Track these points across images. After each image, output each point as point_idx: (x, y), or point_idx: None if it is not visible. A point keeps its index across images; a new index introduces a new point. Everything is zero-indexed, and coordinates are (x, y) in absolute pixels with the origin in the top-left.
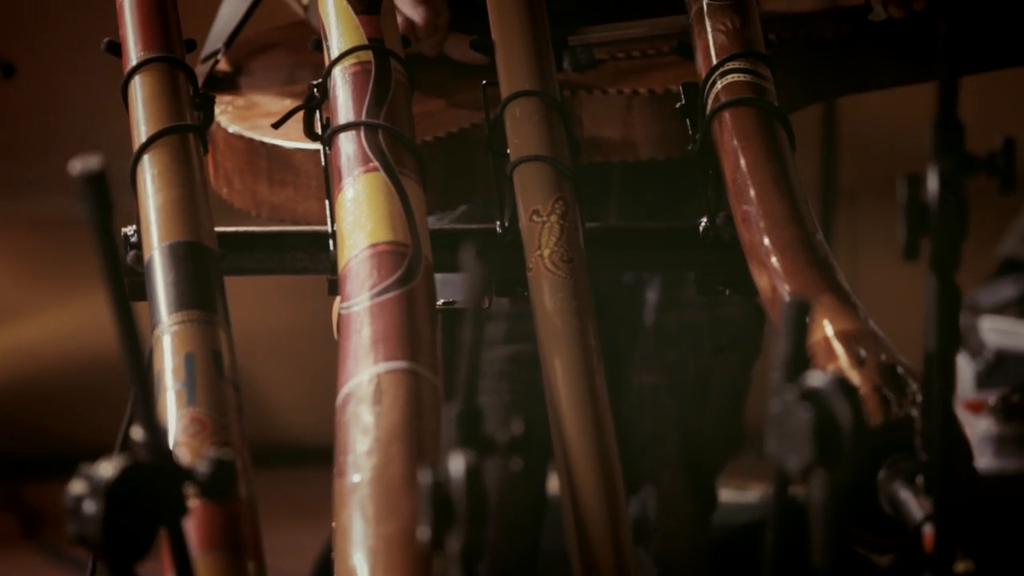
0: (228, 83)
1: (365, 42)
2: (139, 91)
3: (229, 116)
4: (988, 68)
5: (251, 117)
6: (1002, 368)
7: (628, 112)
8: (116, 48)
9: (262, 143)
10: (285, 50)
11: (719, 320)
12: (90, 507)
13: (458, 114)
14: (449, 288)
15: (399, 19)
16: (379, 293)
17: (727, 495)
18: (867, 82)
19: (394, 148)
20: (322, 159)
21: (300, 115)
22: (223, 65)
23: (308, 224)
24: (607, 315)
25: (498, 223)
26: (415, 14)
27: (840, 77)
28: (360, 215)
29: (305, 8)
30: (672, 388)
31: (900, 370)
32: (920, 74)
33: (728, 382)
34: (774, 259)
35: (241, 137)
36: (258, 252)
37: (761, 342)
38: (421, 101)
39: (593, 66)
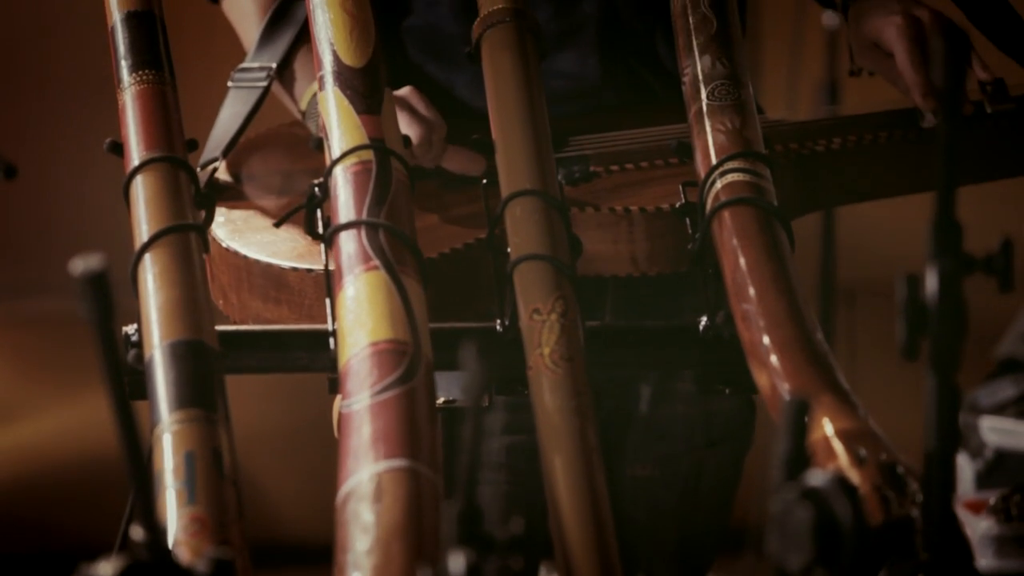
0: (225, 190)
1: (366, 141)
2: (141, 191)
3: (226, 230)
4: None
5: (247, 231)
6: (1002, 468)
7: (621, 229)
8: (118, 148)
9: (256, 261)
10: (282, 153)
11: (712, 413)
12: None
13: (457, 230)
14: (449, 386)
15: None
16: (380, 391)
17: None
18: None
19: (395, 247)
20: (323, 257)
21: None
22: (221, 172)
23: None
24: (601, 407)
25: (498, 322)
26: (412, 132)
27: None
28: (361, 313)
29: (303, 114)
30: (665, 480)
31: (900, 470)
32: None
33: (720, 475)
34: (774, 358)
35: (236, 253)
36: (259, 351)
37: (752, 435)
38: (419, 215)
39: (587, 179)
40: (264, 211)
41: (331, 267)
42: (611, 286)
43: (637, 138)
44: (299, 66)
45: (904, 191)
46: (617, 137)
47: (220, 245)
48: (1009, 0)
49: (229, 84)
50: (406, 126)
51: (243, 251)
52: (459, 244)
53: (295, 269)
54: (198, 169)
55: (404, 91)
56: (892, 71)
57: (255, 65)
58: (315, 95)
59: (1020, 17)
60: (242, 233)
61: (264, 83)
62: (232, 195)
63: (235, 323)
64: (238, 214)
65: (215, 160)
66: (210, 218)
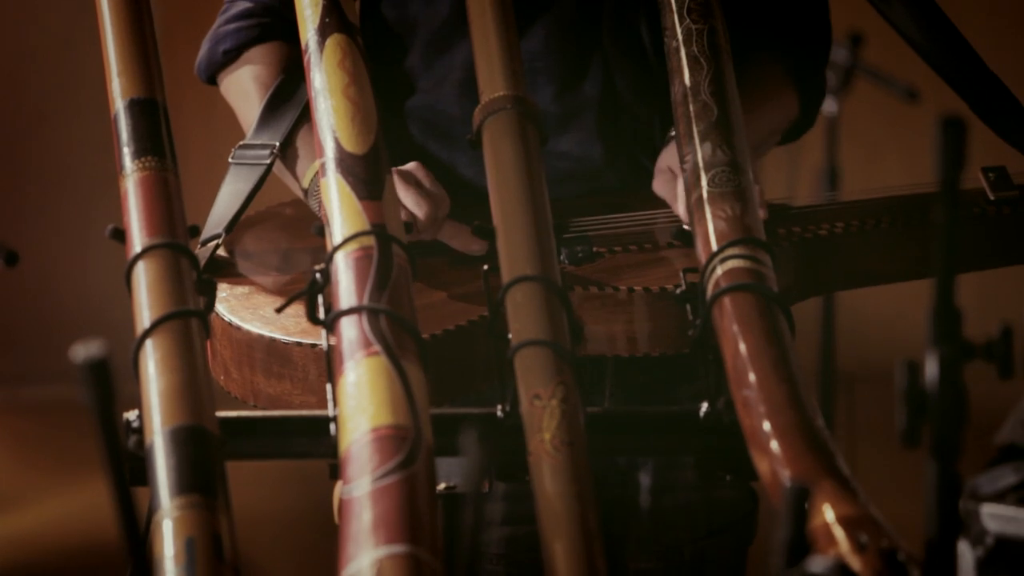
0: (227, 267)
1: (368, 227)
2: (142, 277)
3: (228, 306)
4: (990, 266)
5: (250, 307)
6: (1003, 555)
7: (623, 309)
8: (120, 235)
9: (260, 336)
10: (284, 231)
11: (713, 502)
12: None
13: (459, 308)
14: (450, 471)
15: (401, 213)
16: (380, 477)
17: None
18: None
19: (396, 332)
20: (324, 343)
21: (302, 300)
22: (222, 249)
23: None
24: (601, 497)
25: (499, 407)
26: (418, 210)
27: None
28: (362, 399)
29: (305, 192)
30: (668, 572)
31: (901, 556)
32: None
33: (723, 564)
34: (774, 444)
35: (239, 328)
36: (259, 437)
37: (755, 524)
38: (421, 292)
39: (591, 260)
40: (266, 289)
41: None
42: (611, 367)
43: (640, 220)
44: (301, 144)
45: (906, 277)
46: (620, 218)
47: (223, 320)
48: (1009, 88)
49: (230, 160)
50: (412, 202)
51: (246, 326)
52: (463, 321)
53: (299, 344)
54: (199, 246)
55: (410, 166)
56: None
57: (257, 142)
58: (317, 174)
59: (1021, 105)
60: (245, 309)
61: (267, 160)
62: (233, 272)
63: (237, 399)
64: (240, 290)
65: (218, 236)
66: (211, 303)
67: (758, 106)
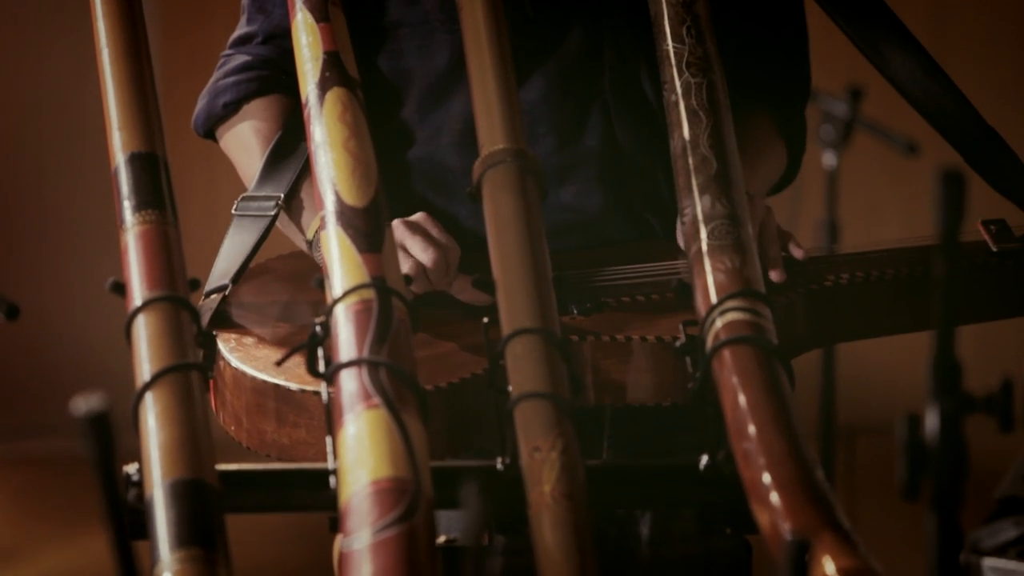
0: (235, 318)
1: (368, 280)
2: (143, 330)
3: (239, 355)
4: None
5: (261, 356)
6: None
7: (630, 358)
8: (120, 288)
9: (275, 385)
10: (289, 283)
11: (711, 553)
12: None
13: (464, 359)
14: (450, 524)
15: (409, 263)
16: (380, 530)
17: None
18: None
19: (396, 385)
20: (324, 396)
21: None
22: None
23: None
24: (600, 550)
25: (499, 459)
26: (425, 257)
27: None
28: (362, 452)
29: (309, 244)
30: None
31: None
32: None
33: None
34: (774, 496)
35: (253, 377)
36: (259, 489)
37: (751, 574)
38: (427, 344)
39: (599, 310)
40: (274, 339)
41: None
42: (609, 417)
43: (647, 270)
44: (306, 196)
45: (910, 328)
46: (627, 269)
47: (234, 369)
48: (1008, 143)
49: (234, 212)
50: (419, 248)
51: (261, 376)
52: (468, 374)
53: (316, 393)
54: (203, 297)
55: (416, 216)
56: None
57: (261, 194)
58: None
59: (1018, 159)
60: (256, 358)
61: (272, 212)
62: (240, 321)
63: (248, 448)
64: (249, 340)
65: (223, 288)
66: (211, 356)
67: (755, 159)
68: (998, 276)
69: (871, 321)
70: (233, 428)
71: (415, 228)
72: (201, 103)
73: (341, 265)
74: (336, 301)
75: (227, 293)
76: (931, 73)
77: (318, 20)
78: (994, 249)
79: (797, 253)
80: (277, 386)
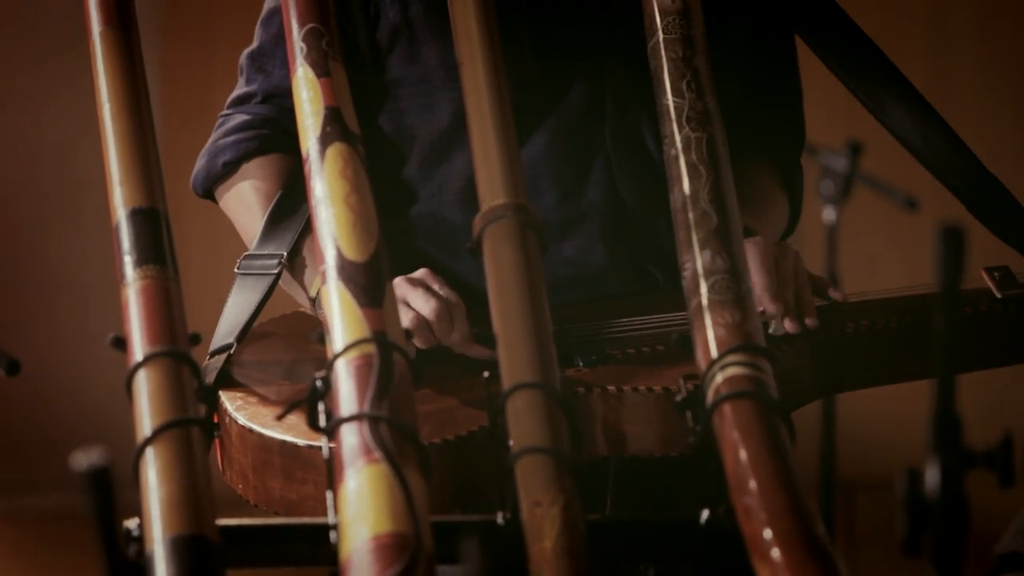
0: (240, 377)
1: (368, 335)
2: (143, 385)
3: (246, 413)
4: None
5: (266, 414)
6: None
7: (638, 409)
8: (121, 343)
9: (282, 441)
10: (293, 341)
11: None
12: None
13: (465, 414)
14: None
15: (411, 316)
16: None
17: None
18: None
19: (397, 439)
20: (325, 450)
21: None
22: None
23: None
24: None
25: (500, 514)
26: (427, 309)
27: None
28: (362, 507)
29: (313, 301)
30: None
31: None
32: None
33: None
34: (775, 552)
35: (260, 434)
36: (260, 545)
37: None
38: (429, 399)
39: (604, 362)
40: (280, 397)
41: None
42: (613, 471)
43: (651, 322)
44: (308, 253)
45: (916, 376)
46: (631, 321)
47: (241, 426)
48: (1010, 191)
49: (237, 271)
50: (422, 303)
51: (268, 432)
52: (471, 428)
53: (321, 447)
54: (208, 357)
55: (419, 272)
56: None
57: (263, 252)
58: None
59: (1020, 206)
60: (263, 416)
61: (275, 270)
62: (246, 379)
63: (256, 506)
64: (254, 398)
65: (229, 347)
66: (212, 411)
67: (766, 209)
68: (1003, 322)
69: (877, 369)
70: (241, 486)
71: (417, 283)
72: (200, 163)
73: (342, 320)
74: (337, 356)
75: (232, 352)
76: (930, 122)
77: (319, 75)
78: (998, 295)
79: (836, 295)
80: (284, 442)
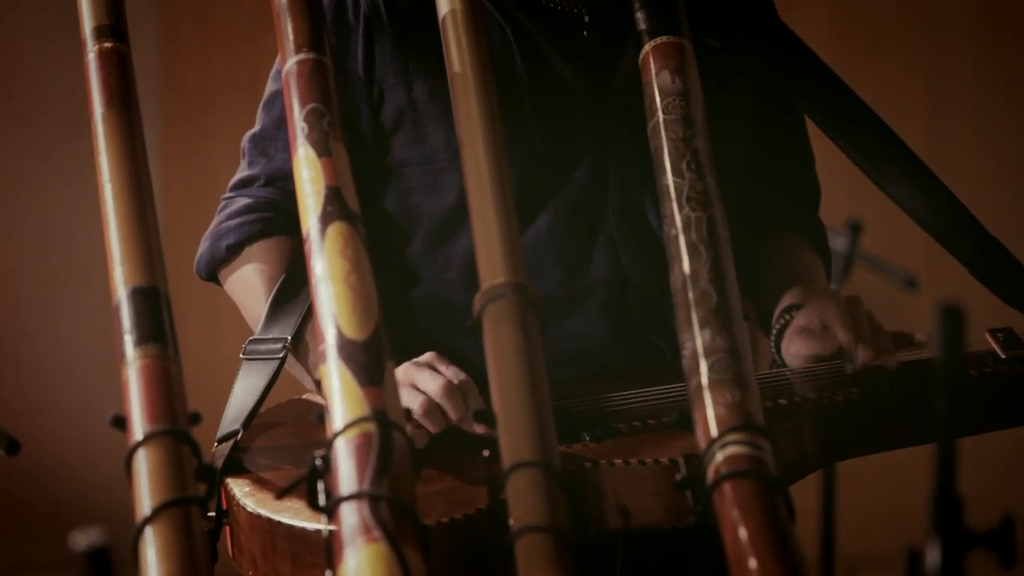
0: (248, 464)
1: (368, 413)
2: (143, 464)
3: (254, 499)
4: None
5: (273, 500)
6: None
7: (645, 481)
8: (121, 422)
9: (291, 527)
10: (299, 426)
11: None
12: None
13: (466, 493)
14: None
15: (420, 400)
16: None
17: None
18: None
19: (396, 518)
20: (324, 529)
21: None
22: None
23: None
24: None
25: None
26: (435, 388)
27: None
28: None
29: (318, 384)
30: None
31: None
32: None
33: None
34: None
35: (268, 519)
36: None
37: None
38: (429, 479)
39: (611, 436)
40: (284, 483)
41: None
42: (623, 542)
43: (657, 393)
44: (311, 337)
45: (917, 442)
46: (636, 394)
47: (248, 512)
48: (1011, 253)
49: (242, 356)
50: (430, 382)
51: (274, 517)
52: (469, 510)
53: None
54: (215, 443)
55: (426, 356)
56: (822, 343)
57: (268, 336)
58: None
59: (1022, 268)
60: (269, 501)
61: (280, 355)
62: (252, 466)
63: None
64: (262, 483)
65: (236, 434)
66: (212, 491)
67: (814, 274)
68: (1008, 383)
69: (880, 436)
70: (251, 572)
71: (424, 365)
72: (203, 246)
73: (342, 398)
74: (337, 434)
75: (239, 438)
76: (933, 189)
77: (320, 155)
78: (1003, 356)
79: (921, 338)
80: (291, 527)
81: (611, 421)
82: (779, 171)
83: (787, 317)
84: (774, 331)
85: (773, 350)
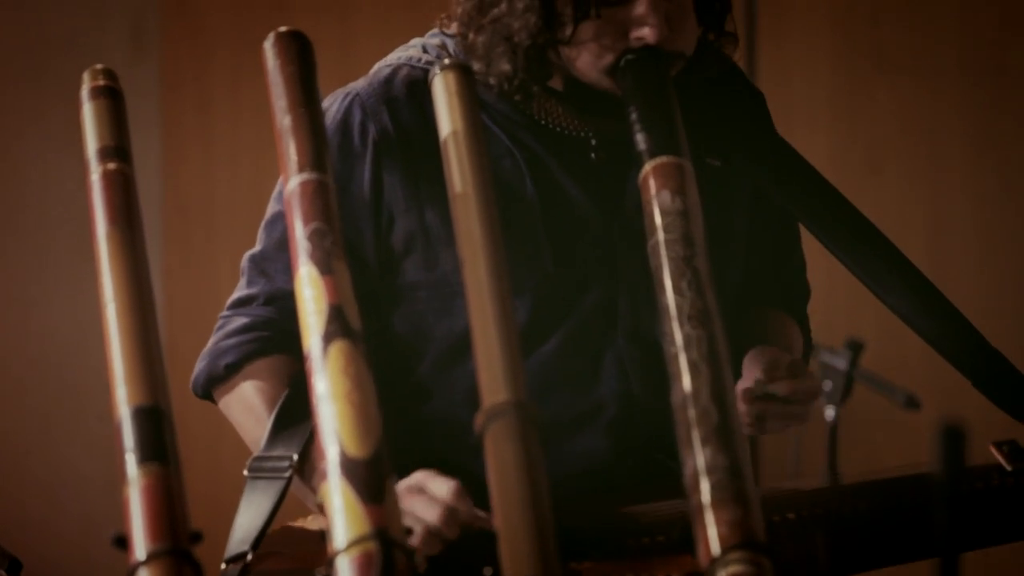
0: None
1: (370, 531)
2: None
3: None
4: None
5: None
6: None
7: None
8: (123, 542)
9: None
10: (307, 546)
11: None
12: None
13: None
14: None
15: (417, 529)
16: None
17: None
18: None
19: None
20: None
21: None
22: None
23: None
24: None
25: None
26: (431, 514)
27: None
28: None
29: (320, 507)
30: None
31: None
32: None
33: None
34: None
35: None
36: None
37: None
38: None
39: (619, 553)
40: None
41: None
42: None
43: (665, 509)
44: (317, 456)
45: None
46: (645, 509)
47: None
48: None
49: (246, 474)
50: (426, 510)
51: None
52: None
53: None
54: (223, 564)
55: (416, 477)
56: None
57: (273, 454)
58: None
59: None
60: None
61: (286, 473)
62: None
63: None
64: None
65: (244, 555)
66: None
67: (789, 343)
68: (1013, 497)
69: (887, 551)
70: None
71: (415, 490)
72: (201, 364)
73: (343, 516)
74: (338, 552)
75: (248, 561)
76: (934, 301)
77: (322, 273)
78: (1009, 468)
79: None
80: None
81: (621, 538)
82: (773, 278)
83: None
84: None
85: None
